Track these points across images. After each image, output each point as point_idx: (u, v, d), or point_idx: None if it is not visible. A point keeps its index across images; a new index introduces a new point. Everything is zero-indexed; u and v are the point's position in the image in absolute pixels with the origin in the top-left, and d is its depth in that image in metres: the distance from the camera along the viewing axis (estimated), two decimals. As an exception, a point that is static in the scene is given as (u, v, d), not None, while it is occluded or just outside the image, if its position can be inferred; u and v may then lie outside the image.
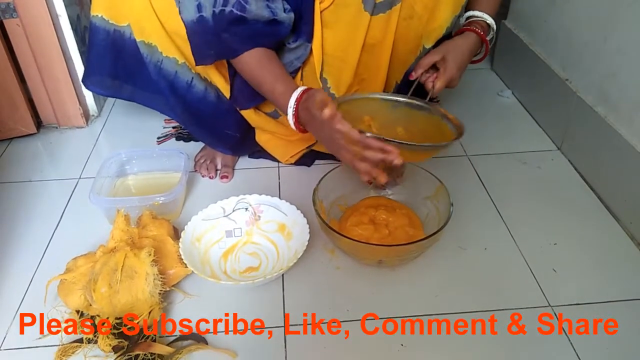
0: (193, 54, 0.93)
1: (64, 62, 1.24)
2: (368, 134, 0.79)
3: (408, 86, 0.99)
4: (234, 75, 1.00)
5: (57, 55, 1.23)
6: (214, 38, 0.89)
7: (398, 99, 0.98)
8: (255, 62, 0.91)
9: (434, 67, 0.96)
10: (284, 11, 0.91)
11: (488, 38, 0.99)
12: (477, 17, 0.97)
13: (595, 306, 0.84)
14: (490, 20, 0.98)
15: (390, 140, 0.79)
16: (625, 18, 0.99)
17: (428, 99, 0.97)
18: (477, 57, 1.00)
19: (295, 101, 0.86)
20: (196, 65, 0.94)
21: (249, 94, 1.00)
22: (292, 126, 0.89)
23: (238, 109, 1.05)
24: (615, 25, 1.02)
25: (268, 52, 0.92)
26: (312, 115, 0.82)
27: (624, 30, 1.00)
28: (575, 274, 0.90)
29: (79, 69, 1.29)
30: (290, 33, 0.94)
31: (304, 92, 0.86)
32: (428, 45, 0.98)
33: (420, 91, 0.98)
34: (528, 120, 1.33)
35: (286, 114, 0.89)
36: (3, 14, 1.16)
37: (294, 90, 0.87)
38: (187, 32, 0.91)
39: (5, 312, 0.86)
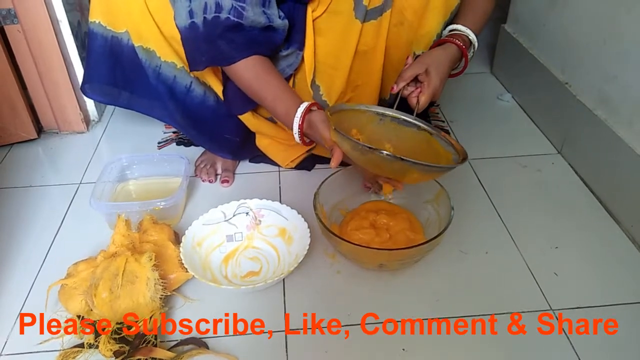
0: (187, 60, 0.93)
1: (64, 68, 1.25)
2: (384, 152, 0.75)
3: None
4: (226, 80, 1.00)
5: (57, 60, 1.23)
6: (205, 44, 0.88)
7: (385, 112, 0.92)
8: (252, 72, 0.91)
9: (415, 80, 0.92)
10: (279, 18, 0.91)
11: (469, 54, 0.96)
12: (461, 31, 0.95)
13: (597, 309, 0.84)
14: (472, 37, 0.95)
15: (404, 159, 0.74)
16: (625, 21, 0.99)
17: (415, 114, 0.92)
18: (454, 70, 0.97)
19: (299, 127, 0.89)
20: (190, 71, 0.95)
21: (243, 99, 1.00)
22: (299, 142, 0.93)
23: (234, 114, 1.05)
24: (614, 28, 1.03)
25: (264, 61, 0.92)
26: (318, 138, 0.88)
27: (624, 33, 1.00)
28: (576, 278, 0.90)
29: (80, 74, 1.29)
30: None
31: (304, 114, 0.89)
32: (419, 52, 0.98)
33: (402, 104, 0.94)
34: (528, 124, 1.34)
35: (291, 130, 0.91)
36: (4, 20, 1.16)
37: (295, 113, 0.89)
38: (181, 38, 0.90)
39: (6, 317, 0.86)
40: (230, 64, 0.90)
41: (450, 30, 0.95)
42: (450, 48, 0.93)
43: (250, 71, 0.91)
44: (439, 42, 0.95)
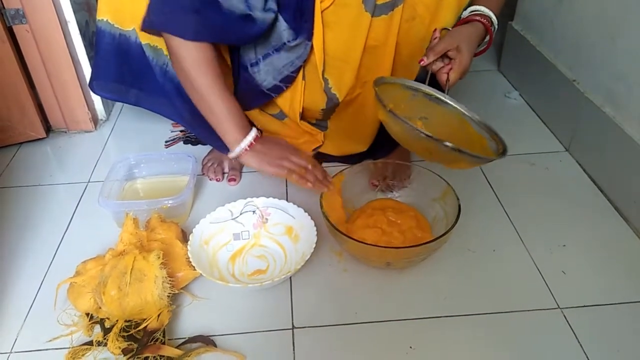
0: (146, 13, 0.88)
1: (72, 67, 1.25)
2: (422, 132, 0.75)
3: None
4: (237, 76, 1.00)
5: (65, 60, 1.24)
6: (172, 5, 0.84)
7: (418, 87, 0.89)
8: (206, 67, 0.88)
9: (444, 56, 0.89)
10: (264, 9, 0.88)
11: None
12: (482, 12, 0.92)
13: (605, 308, 0.84)
14: (494, 18, 0.93)
15: (462, 151, 0.73)
16: (633, 19, 0.99)
17: (447, 92, 0.90)
18: (477, 49, 0.94)
19: (247, 145, 0.92)
20: (141, 29, 0.91)
21: (253, 94, 1.00)
22: (236, 153, 0.93)
23: (243, 109, 1.05)
24: (623, 26, 1.02)
25: (217, 60, 0.90)
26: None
27: (632, 30, 0.99)
28: (584, 276, 0.90)
29: (88, 74, 1.29)
30: (289, 31, 0.93)
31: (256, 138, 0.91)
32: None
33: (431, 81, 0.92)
34: (535, 122, 1.33)
35: (225, 141, 0.93)
36: (13, 20, 1.17)
37: (246, 135, 0.91)
38: None
39: (15, 315, 0.87)
40: (185, 38, 0.85)
41: (472, 11, 0.93)
42: (478, 26, 0.91)
43: (199, 62, 0.87)
44: (464, 20, 0.93)
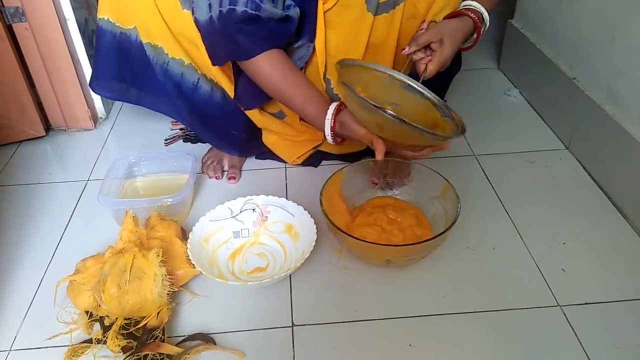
0: (207, 54, 0.93)
1: (72, 66, 1.25)
2: (369, 102, 0.77)
3: None
4: (238, 74, 1.00)
5: (65, 58, 1.24)
6: (222, 38, 0.88)
7: (392, 74, 0.90)
8: (279, 71, 0.91)
9: (427, 47, 0.90)
10: (292, 6, 0.91)
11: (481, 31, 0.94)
12: (474, 7, 0.92)
13: (605, 305, 0.84)
14: (486, 15, 0.93)
15: (405, 122, 0.76)
16: (633, 16, 0.98)
17: (421, 81, 0.90)
18: (465, 45, 0.95)
19: (331, 129, 0.92)
20: (212, 65, 0.95)
21: (254, 93, 1.00)
22: (332, 142, 0.95)
23: (243, 108, 1.06)
24: (623, 23, 1.02)
25: (286, 57, 0.92)
26: (353, 136, 0.90)
27: (632, 28, 0.99)
28: (584, 274, 0.90)
29: (87, 72, 1.30)
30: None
31: (335, 116, 0.91)
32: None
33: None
34: (535, 120, 1.33)
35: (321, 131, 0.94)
36: (12, 18, 1.17)
37: (325, 115, 0.91)
38: (200, 33, 0.91)
39: (15, 312, 0.87)
40: (250, 58, 0.90)
41: (464, 6, 0.93)
42: (466, 21, 0.91)
43: (277, 70, 0.91)
44: (454, 13, 0.93)
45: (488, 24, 0.94)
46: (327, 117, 0.91)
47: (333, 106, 0.91)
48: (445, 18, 0.92)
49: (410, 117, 0.77)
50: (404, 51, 0.90)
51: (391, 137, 0.86)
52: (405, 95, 0.90)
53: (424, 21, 0.93)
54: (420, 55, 0.90)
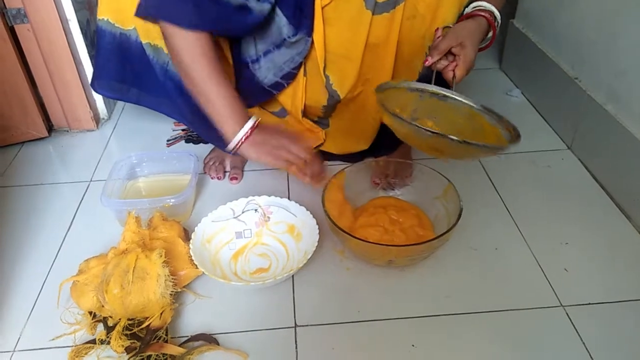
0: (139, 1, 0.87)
1: (74, 66, 1.25)
2: (425, 129, 0.74)
3: None
4: (238, 73, 1.00)
5: (67, 59, 1.24)
6: None
7: (424, 88, 0.90)
8: (203, 57, 0.86)
9: (448, 53, 0.89)
10: (259, 0, 0.87)
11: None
12: (485, 7, 0.92)
13: (607, 306, 0.84)
14: (497, 13, 0.92)
15: (452, 138, 0.73)
16: (635, 16, 0.98)
17: (453, 88, 0.89)
18: (481, 44, 0.93)
19: (245, 135, 0.87)
20: (136, 13, 0.88)
21: (254, 91, 1.00)
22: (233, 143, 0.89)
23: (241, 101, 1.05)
24: (624, 23, 1.02)
25: (214, 50, 0.88)
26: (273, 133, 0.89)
27: (634, 28, 0.99)
28: (586, 274, 0.90)
29: (89, 72, 1.30)
30: (289, 27, 0.93)
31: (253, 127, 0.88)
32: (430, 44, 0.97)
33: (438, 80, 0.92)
34: (537, 120, 1.33)
35: (221, 130, 0.88)
36: (14, 20, 1.17)
37: (243, 125, 0.87)
38: None
39: (19, 313, 0.87)
40: (182, 28, 0.84)
41: (474, 7, 0.93)
42: (481, 21, 0.90)
43: (200, 53, 0.86)
44: (467, 15, 0.92)
45: (500, 21, 0.94)
46: (246, 125, 0.87)
47: (253, 119, 0.88)
48: (457, 22, 0.92)
49: (458, 129, 0.76)
50: (427, 62, 0.88)
51: (449, 156, 0.84)
52: (443, 107, 0.89)
53: (437, 29, 0.91)
54: (443, 63, 0.89)
